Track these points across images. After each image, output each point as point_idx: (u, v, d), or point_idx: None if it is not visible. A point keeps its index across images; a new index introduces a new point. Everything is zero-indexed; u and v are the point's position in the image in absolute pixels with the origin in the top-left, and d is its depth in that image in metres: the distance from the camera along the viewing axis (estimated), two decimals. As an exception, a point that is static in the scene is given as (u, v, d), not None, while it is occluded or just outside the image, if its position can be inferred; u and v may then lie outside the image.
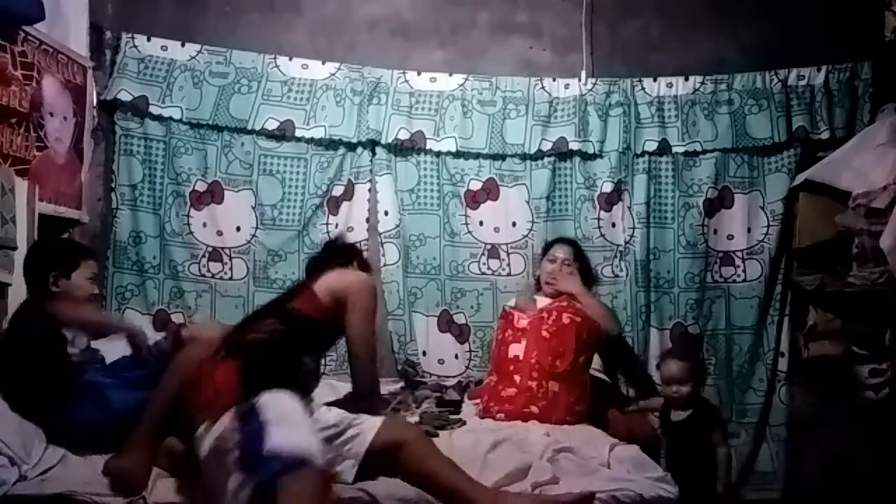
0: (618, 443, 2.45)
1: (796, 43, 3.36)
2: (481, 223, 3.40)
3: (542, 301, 3.02)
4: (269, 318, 2.17)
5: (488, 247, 3.40)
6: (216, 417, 1.87)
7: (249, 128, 3.26)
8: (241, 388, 1.90)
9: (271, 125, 3.26)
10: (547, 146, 3.35)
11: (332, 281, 2.23)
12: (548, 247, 3.20)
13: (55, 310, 2.20)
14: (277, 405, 1.83)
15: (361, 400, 2.22)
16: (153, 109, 3.20)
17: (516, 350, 2.83)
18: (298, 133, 3.28)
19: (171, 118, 3.22)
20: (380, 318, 3.28)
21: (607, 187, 3.37)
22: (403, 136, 3.31)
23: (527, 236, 3.39)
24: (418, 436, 2.05)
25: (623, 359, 3.17)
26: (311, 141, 3.32)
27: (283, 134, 3.29)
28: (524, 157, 3.38)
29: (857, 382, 2.89)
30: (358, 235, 3.36)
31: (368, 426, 1.99)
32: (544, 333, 2.81)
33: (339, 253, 2.59)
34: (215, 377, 1.96)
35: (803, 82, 3.31)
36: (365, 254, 3.32)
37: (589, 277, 3.23)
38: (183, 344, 2.18)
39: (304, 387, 2.07)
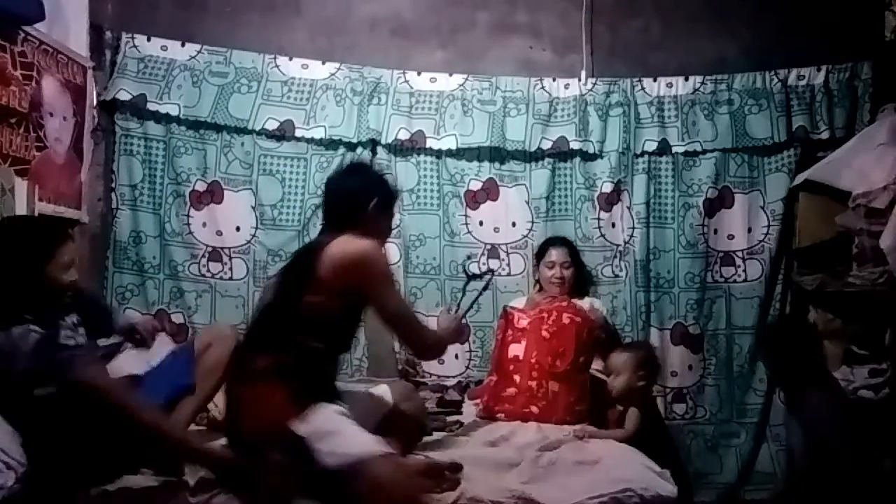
0: (623, 444, 2.45)
1: (796, 43, 3.36)
2: (481, 223, 3.40)
3: (543, 301, 3.03)
4: (285, 325, 2.03)
5: (488, 247, 3.40)
6: (272, 442, 1.89)
7: (249, 128, 3.26)
8: (289, 410, 1.88)
9: (271, 125, 3.26)
10: (547, 145, 3.35)
11: (338, 259, 2.02)
12: (542, 249, 3.20)
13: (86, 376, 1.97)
14: (319, 424, 1.86)
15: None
16: (152, 108, 3.19)
17: (516, 350, 2.83)
18: (298, 133, 3.28)
19: (168, 114, 3.21)
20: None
21: (607, 187, 3.37)
22: (403, 136, 3.31)
23: (526, 236, 3.39)
24: None
25: None
26: (311, 141, 3.32)
27: (283, 134, 3.29)
28: (524, 156, 3.38)
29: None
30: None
31: None
32: (544, 333, 2.81)
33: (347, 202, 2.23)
34: (263, 403, 1.92)
35: (803, 82, 3.32)
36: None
37: (584, 279, 3.25)
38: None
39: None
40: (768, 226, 3.32)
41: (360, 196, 2.17)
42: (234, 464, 1.98)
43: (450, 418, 2.70)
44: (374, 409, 2.20)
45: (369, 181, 2.25)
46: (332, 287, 2.01)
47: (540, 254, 3.22)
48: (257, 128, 3.26)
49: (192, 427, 2.30)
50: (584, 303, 3.13)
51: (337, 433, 1.84)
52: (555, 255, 3.15)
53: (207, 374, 2.20)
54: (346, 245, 2.04)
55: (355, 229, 2.09)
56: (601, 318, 3.07)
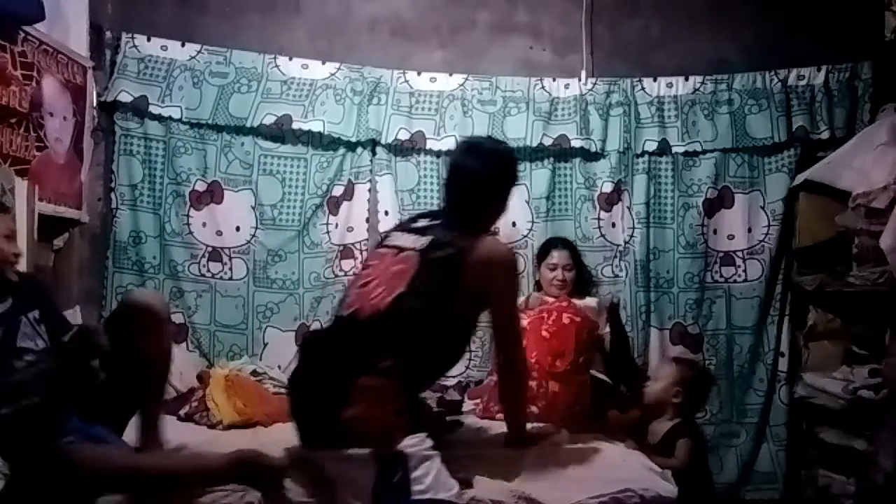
0: (619, 444, 2.45)
1: (796, 43, 3.36)
2: (481, 223, 3.39)
3: (543, 301, 3.03)
4: (412, 322, 1.97)
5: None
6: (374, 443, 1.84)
7: (248, 125, 3.25)
8: (403, 423, 1.86)
9: (269, 121, 3.25)
10: (548, 142, 3.34)
11: (486, 262, 2.00)
12: (544, 251, 3.20)
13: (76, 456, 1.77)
14: (421, 450, 1.84)
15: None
16: (153, 109, 3.19)
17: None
18: (295, 126, 3.26)
19: (170, 118, 3.21)
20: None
21: (607, 187, 3.37)
22: (403, 136, 3.31)
23: (527, 236, 3.39)
24: None
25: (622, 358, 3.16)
26: (309, 139, 3.32)
27: (280, 128, 3.27)
28: (525, 155, 3.38)
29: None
30: (358, 235, 3.36)
31: None
32: (544, 333, 2.81)
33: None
34: (385, 402, 1.87)
35: (803, 82, 3.31)
36: (364, 254, 3.34)
37: (585, 280, 3.25)
38: None
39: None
40: (768, 226, 3.32)
41: (508, 182, 2.15)
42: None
43: (449, 418, 2.70)
44: None
45: (507, 165, 2.19)
46: (471, 292, 2.00)
47: (541, 255, 3.21)
48: (255, 124, 3.25)
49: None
50: (587, 302, 3.12)
51: (432, 468, 1.82)
52: (556, 257, 3.14)
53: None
54: (495, 247, 2.08)
55: (482, 224, 2.10)
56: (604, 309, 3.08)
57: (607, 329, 3.04)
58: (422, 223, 2.15)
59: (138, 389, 2.01)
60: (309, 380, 2.02)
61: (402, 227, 2.25)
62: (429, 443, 1.87)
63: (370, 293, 2.03)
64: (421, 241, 2.05)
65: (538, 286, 3.24)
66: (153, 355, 2.01)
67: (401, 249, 2.07)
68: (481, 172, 2.12)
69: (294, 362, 2.43)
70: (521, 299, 2.81)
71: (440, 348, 2.06)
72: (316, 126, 3.27)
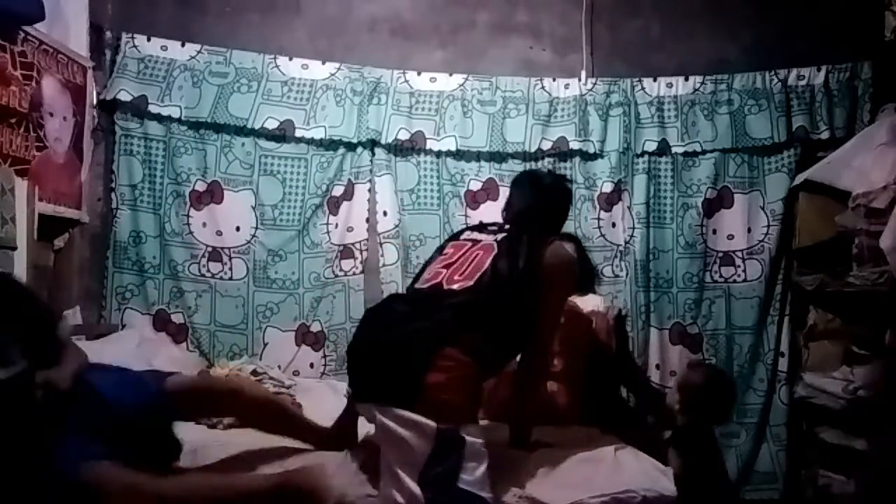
0: (617, 443, 2.45)
1: (796, 43, 3.36)
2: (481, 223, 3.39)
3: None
4: (496, 309, 1.97)
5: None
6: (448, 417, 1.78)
7: (249, 127, 3.26)
8: (475, 406, 1.87)
9: (271, 125, 3.26)
10: (547, 145, 3.35)
11: (554, 260, 2.08)
12: None
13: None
14: (479, 444, 1.81)
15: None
16: (152, 108, 3.19)
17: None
18: (298, 133, 3.28)
19: (169, 117, 3.21)
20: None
21: (607, 187, 3.37)
22: (403, 136, 3.31)
23: (527, 236, 3.39)
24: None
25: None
26: (311, 141, 3.32)
27: (283, 134, 3.29)
28: (524, 156, 3.38)
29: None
30: (358, 235, 3.36)
31: None
32: (543, 333, 2.80)
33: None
34: (464, 379, 1.84)
35: (803, 82, 3.32)
36: (365, 254, 3.35)
37: (590, 279, 3.24)
38: None
39: None
40: (768, 226, 3.32)
41: (564, 211, 2.40)
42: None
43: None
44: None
45: (566, 198, 2.45)
46: (540, 289, 2.05)
47: None
48: (257, 127, 3.26)
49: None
50: (591, 299, 3.11)
51: (481, 465, 1.79)
52: None
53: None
54: (565, 251, 2.15)
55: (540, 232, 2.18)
56: (605, 323, 3.07)
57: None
58: (491, 228, 2.28)
59: None
60: (385, 341, 1.92)
61: (473, 228, 2.38)
62: (483, 439, 1.83)
63: (454, 272, 2.08)
64: (498, 236, 2.17)
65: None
66: None
67: (477, 241, 2.17)
68: (540, 205, 2.31)
69: (349, 333, 2.55)
70: None
71: (509, 336, 2.07)
72: (318, 133, 3.28)
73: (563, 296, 2.22)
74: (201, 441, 2.31)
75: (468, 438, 1.78)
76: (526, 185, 2.40)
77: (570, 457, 2.24)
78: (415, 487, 1.71)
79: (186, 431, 2.34)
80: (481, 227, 2.33)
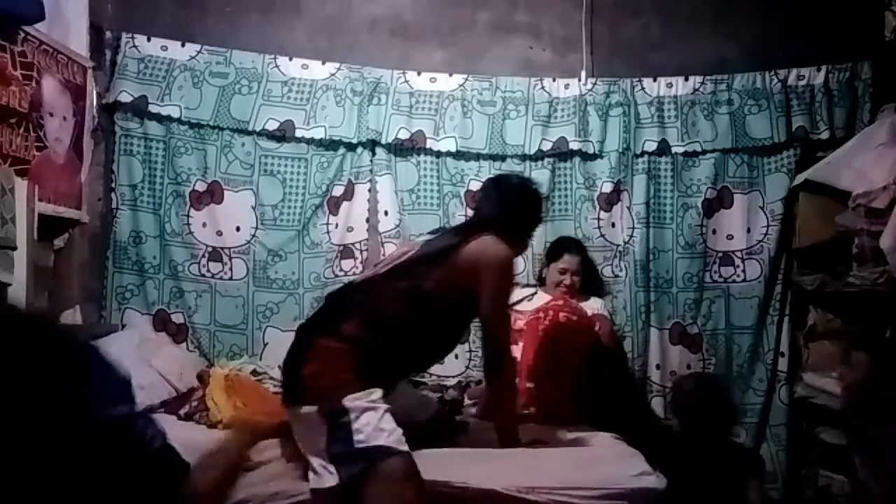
0: (615, 441, 2.46)
1: (796, 43, 3.36)
2: (481, 223, 3.39)
3: (543, 298, 3.03)
4: (391, 299, 2.10)
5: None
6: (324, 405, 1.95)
7: (250, 129, 3.26)
8: (352, 382, 1.96)
9: (272, 126, 3.26)
10: (547, 146, 3.35)
11: (474, 255, 2.15)
12: (556, 252, 3.18)
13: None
14: (364, 404, 1.93)
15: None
16: (152, 108, 3.19)
17: (514, 351, 2.83)
18: (298, 133, 3.28)
19: (169, 117, 3.21)
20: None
21: (607, 187, 3.37)
22: (403, 135, 3.31)
23: (527, 236, 3.39)
24: None
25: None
26: (311, 141, 3.32)
27: (283, 134, 3.29)
28: (524, 157, 3.38)
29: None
30: (358, 235, 3.36)
31: None
32: (541, 334, 2.81)
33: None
34: (336, 363, 1.99)
35: (803, 82, 3.31)
36: (365, 254, 3.35)
37: (593, 281, 3.24)
38: None
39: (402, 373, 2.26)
40: (767, 226, 3.32)
41: (519, 212, 2.35)
42: None
43: (459, 418, 2.70)
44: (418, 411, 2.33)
45: (530, 201, 2.42)
46: (456, 277, 2.12)
47: (553, 255, 3.18)
48: (258, 129, 3.26)
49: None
50: (590, 303, 3.11)
51: (373, 416, 1.92)
52: (568, 261, 3.12)
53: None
54: (489, 246, 2.17)
55: (499, 235, 2.21)
56: (608, 325, 3.08)
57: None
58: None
59: None
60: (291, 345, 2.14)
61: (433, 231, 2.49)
62: (375, 395, 1.96)
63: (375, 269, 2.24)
64: (429, 234, 2.27)
65: (541, 283, 3.23)
66: None
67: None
68: (504, 208, 2.32)
69: None
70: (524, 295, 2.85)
71: (424, 332, 2.14)
72: (318, 133, 3.28)
73: (497, 291, 2.18)
74: (201, 441, 2.32)
75: (349, 405, 1.91)
76: (491, 189, 2.44)
77: (562, 454, 2.25)
78: (327, 468, 1.89)
79: (186, 431, 2.35)
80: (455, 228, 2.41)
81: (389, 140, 3.31)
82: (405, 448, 1.93)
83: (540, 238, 3.32)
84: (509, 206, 2.33)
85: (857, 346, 2.90)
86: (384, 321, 2.07)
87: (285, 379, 2.10)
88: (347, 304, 2.13)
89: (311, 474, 1.95)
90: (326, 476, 1.90)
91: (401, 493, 1.88)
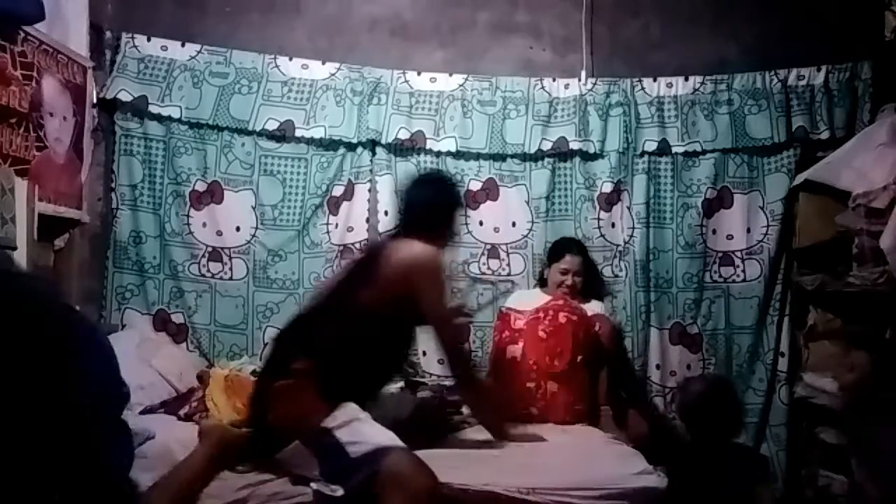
0: (614, 441, 2.46)
1: (796, 43, 3.35)
2: (481, 223, 3.39)
3: (543, 298, 3.03)
4: (331, 326, 2.15)
5: (488, 247, 3.39)
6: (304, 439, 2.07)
7: (250, 129, 3.26)
8: (320, 407, 2.02)
9: (271, 125, 3.26)
10: (547, 146, 3.35)
11: (395, 261, 2.20)
12: (558, 253, 3.18)
13: None
14: (344, 418, 2.01)
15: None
16: (152, 108, 3.19)
17: (514, 351, 2.84)
18: (298, 133, 3.28)
19: (170, 117, 3.21)
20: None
21: (607, 187, 3.36)
22: (403, 135, 3.31)
23: (527, 236, 3.39)
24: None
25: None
26: (311, 141, 3.32)
27: (283, 134, 3.28)
28: (524, 157, 3.38)
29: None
30: (358, 235, 3.36)
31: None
32: (541, 334, 2.82)
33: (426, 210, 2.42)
34: (299, 401, 2.05)
35: (803, 82, 3.31)
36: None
37: (595, 283, 3.25)
38: None
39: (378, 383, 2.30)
40: (767, 226, 3.32)
41: (428, 205, 2.38)
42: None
43: (457, 418, 2.70)
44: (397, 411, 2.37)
45: (438, 191, 2.46)
46: (386, 288, 2.14)
47: (554, 256, 3.19)
48: (258, 128, 3.26)
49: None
50: (591, 305, 3.12)
51: (359, 426, 2.00)
52: (570, 262, 3.13)
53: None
54: (415, 250, 2.20)
55: (421, 235, 2.24)
56: (609, 326, 3.08)
57: None
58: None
59: None
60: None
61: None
62: (350, 408, 2.03)
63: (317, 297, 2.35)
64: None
65: (542, 284, 3.23)
66: None
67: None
68: (409, 192, 2.45)
69: None
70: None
71: (376, 347, 2.16)
72: (318, 133, 3.28)
73: (430, 292, 2.20)
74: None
75: (329, 426, 1.99)
76: (403, 193, 2.52)
77: (562, 455, 2.25)
78: (329, 487, 1.95)
79: (186, 431, 2.35)
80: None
81: (389, 140, 3.31)
82: (401, 444, 1.96)
83: (540, 238, 3.34)
84: (418, 204, 2.40)
85: (857, 346, 2.91)
86: (334, 347, 2.09)
87: (256, 430, 2.17)
88: (296, 341, 2.18)
89: (314, 484, 2.00)
90: (331, 492, 1.94)
91: (413, 482, 1.89)
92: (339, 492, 1.91)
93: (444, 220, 2.42)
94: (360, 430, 1.98)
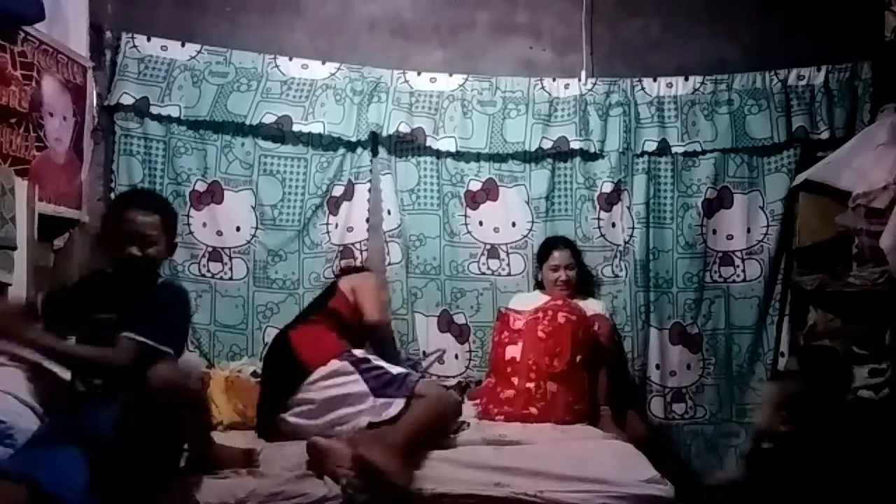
0: (616, 442, 2.46)
1: (796, 43, 3.36)
2: (481, 223, 3.40)
3: (542, 299, 3.04)
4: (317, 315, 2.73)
5: (488, 247, 3.40)
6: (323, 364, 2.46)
7: (248, 123, 3.24)
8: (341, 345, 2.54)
9: (269, 120, 3.24)
10: (547, 146, 3.35)
11: (350, 282, 2.86)
12: (545, 252, 3.20)
13: None
14: (371, 356, 2.55)
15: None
16: (153, 109, 3.19)
17: (513, 352, 2.85)
18: (296, 128, 3.26)
19: (168, 116, 3.20)
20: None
21: (607, 187, 3.37)
22: (404, 129, 3.30)
23: (526, 236, 3.39)
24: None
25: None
26: (309, 139, 3.32)
27: (280, 128, 3.27)
28: (524, 156, 3.38)
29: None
30: (358, 235, 3.36)
31: None
32: (540, 334, 2.82)
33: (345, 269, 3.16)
34: (318, 338, 2.58)
35: (803, 82, 3.31)
36: (365, 254, 3.36)
37: (586, 279, 3.26)
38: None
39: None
40: (767, 226, 3.32)
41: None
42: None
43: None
44: None
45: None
46: None
47: (542, 256, 3.22)
48: (255, 123, 3.24)
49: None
50: (589, 304, 3.13)
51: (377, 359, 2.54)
52: (558, 257, 3.15)
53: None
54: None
55: None
56: (606, 324, 3.09)
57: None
58: None
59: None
60: None
61: None
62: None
63: None
64: None
65: (539, 286, 3.24)
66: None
67: None
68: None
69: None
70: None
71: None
72: (316, 128, 3.27)
73: None
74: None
75: (362, 355, 2.54)
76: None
77: (569, 458, 2.25)
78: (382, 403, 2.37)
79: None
80: None
81: (390, 132, 3.29)
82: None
83: (540, 238, 3.36)
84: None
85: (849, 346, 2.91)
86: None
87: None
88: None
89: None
90: (389, 409, 2.30)
91: (446, 398, 2.40)
92: (395, 407, 2.29)
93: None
94: (381, 360, 2.51)
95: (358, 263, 3.28)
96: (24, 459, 1.75)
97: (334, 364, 2.45)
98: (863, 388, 2.80)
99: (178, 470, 2.05)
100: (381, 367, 2.44)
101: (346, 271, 3.12)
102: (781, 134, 3.30)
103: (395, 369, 2.45)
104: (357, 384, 2.39)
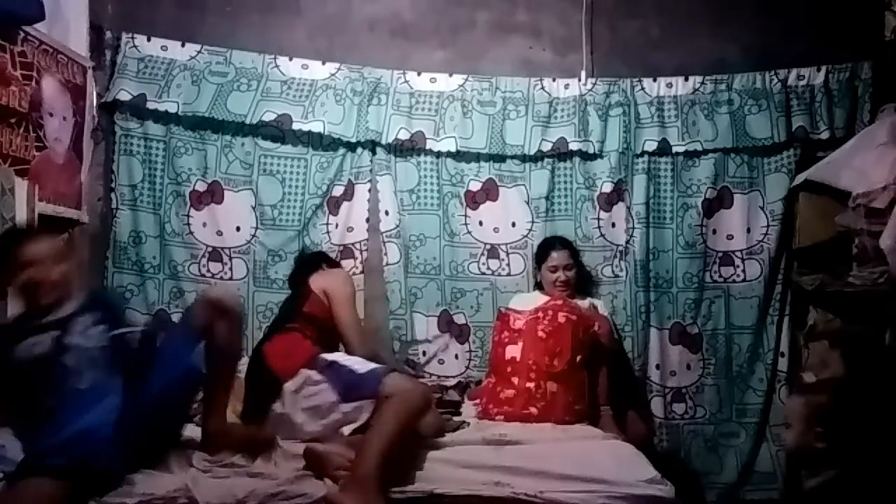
0: (616, 442, 2.46)
1: (796, 43, 3.36)
2: (481, 223, 3.40)
3: (542, 299, 3.03)
4: (295, 322, 2.62)
5: (488, 247, 3.40)
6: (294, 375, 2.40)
7: (247, 122, 3.24)
8: (311, 352, 2.46)
9: (268, 118, 3.24)
10: (547, 146, 3.35)
11: (321, 282, 2.76)
12: (543, 252, 3.20)
13: None
14: (340, 356, 2.49)
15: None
16: (150, 105, 3.18)
17: (513, 352, 2.84)
18: (296, 126, 3.26)
19: (167, 112, 3.20)
20: (383, 317, 3.31)
21: (607, 187, 3.37)
22: (403, 136, 3.31)
23: (526, 236, 3.39)
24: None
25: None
26: (309, 139, 3.32)
27: (279, 127, 3.27)
28: (524, 157, 3.38)
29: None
30: (358, 235, 3.37)
31: None
32: (540, 334, 2.81)
33: (310, 261, 3.01)
34: (290, 348, 2.50)
35: (803, 82, 3.31)
36: (365, 254, 3.36)
37: (584, 279, 3.26)
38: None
39: None
40: (767, 226, 3.32)
41: None
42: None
43: (456, 419, 2.70)
44: None
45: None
46: None
47: (540, 257, 3.22)
48: (254, 121, 3.24)
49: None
50: (585, 303, 3.13)
51: (347, 358, 2.47)
52: (556, 258, 3.15)
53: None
54: None
55: None
56: (606, 324, 3.08)
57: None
58: None
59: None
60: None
61: None
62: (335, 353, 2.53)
63: None
64: None
65: (539, 287, 3.24)
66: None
67: None
68: None
69: None
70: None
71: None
72: (316, 127, 3.27)
73: None
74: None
75: (331, 358, 2.45)
76: None
77: (569, 458, 2.25)
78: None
79: (185, 432, 2.35)
80: None
81: (389, 140, 3.30)
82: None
83: (540, 238, 3.35)
84: None
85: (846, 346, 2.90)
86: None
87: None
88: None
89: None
90: (360, 415, 2.24)
91: (412, 393, 2.22)
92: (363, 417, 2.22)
93: None
94: (350, 359, 2.43)
95: (316, 250, 3.21)
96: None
97: (303, 374, 2.38)
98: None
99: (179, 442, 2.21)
100: (347, 367, 2.36)
101: (308, 264, 2.97)
102: (781, 134, 3.29)
103: (364, 367, 2.34)
104: (325, 393, 2.32)
